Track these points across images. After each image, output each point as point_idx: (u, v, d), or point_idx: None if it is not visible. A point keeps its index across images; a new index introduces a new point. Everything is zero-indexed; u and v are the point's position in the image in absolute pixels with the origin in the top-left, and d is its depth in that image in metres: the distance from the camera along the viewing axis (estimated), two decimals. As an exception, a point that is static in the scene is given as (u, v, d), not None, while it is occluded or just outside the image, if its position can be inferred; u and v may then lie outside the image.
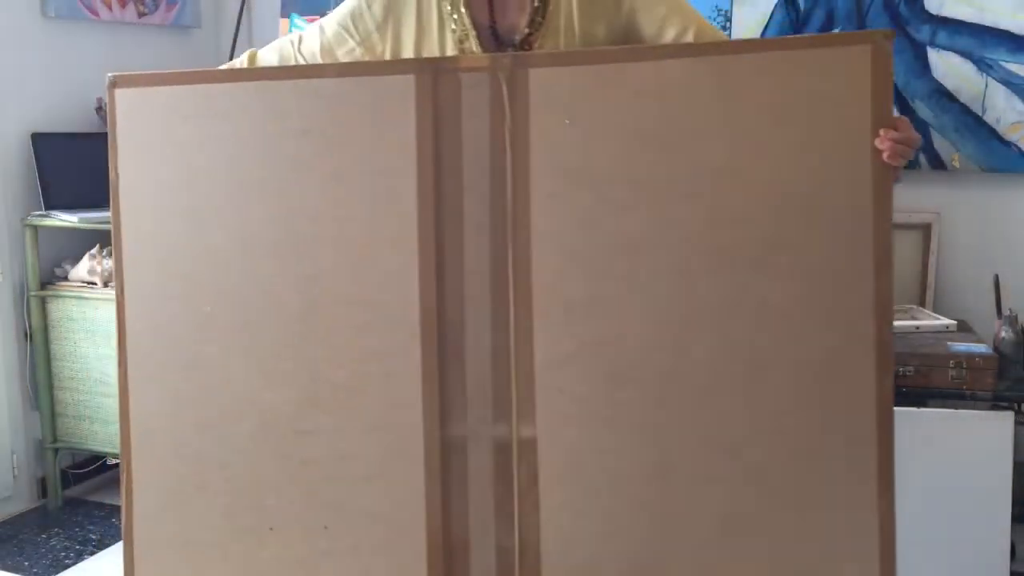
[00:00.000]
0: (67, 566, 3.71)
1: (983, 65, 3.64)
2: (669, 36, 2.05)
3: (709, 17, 3.70)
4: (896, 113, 1.81)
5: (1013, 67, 3.60)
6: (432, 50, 2.09)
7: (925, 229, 3.74)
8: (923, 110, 3.70)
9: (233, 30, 4.72)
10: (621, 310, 1.85)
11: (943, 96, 3.70)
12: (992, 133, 3.65)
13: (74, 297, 4.06)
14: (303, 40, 2.18)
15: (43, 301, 4.10)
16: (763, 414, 1.84)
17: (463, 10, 2.06)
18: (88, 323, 4.03)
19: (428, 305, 1.90)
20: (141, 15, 4.46)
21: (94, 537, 3.94)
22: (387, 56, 2.11)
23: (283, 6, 4.65)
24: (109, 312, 3.89)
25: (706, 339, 1.83)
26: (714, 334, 1.83)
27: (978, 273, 3.64)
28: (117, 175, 2.04)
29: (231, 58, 4.52)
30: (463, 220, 1.88)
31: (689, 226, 1.82)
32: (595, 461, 1.88)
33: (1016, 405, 3.13)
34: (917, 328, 3.38)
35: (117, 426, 3.88)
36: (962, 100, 3.69)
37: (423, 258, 1.89)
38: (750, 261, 1.81)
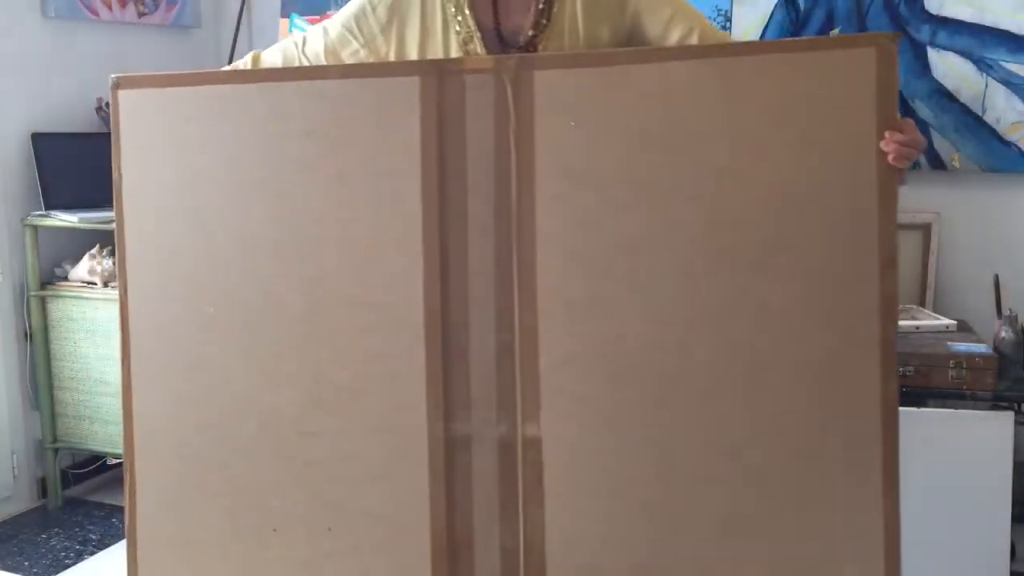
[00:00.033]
0: (67, 566, 3.71)
1: (983, 65, 3.64)
2: (674, 38, 2.06)
3: (709, 17, 3.69)
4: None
5: (1013, 67, 3.60)
6: (436, 52, 2.09)
7: (925, 229, 3.74)
8: (923, 110, 3.71)
9: (233, 30, 4.71)
10: (624, 311, 1.85)
11: (943, 96, 3.71)
12: (992, 133, 3.66)
13: (74, 297, 4.06)
14: (307, 41, 2.18)
15: (43, 301, 4.10)
16: (765, 415, 1.84)
17: (467, 12, 2.06)
18: (88, 323, 4.03)
19: (432, 306, 1.90)
20: (141, 15, 4.46)
21: (94, 537, 3.94)
22: (391, 58, 2.12)
23: (283, 6, 4.65)
24: (109, 312, 3.91)
25: (709, 340, 1.83)
26: (716, 335, 1.83)
27: (978, 273, 3.64)
28: (120, 176, 2.04)
29: (231, 58, 4.53)
30: (467, 221, 1.88)
31: (692, 227, 1.82)
32: (598, 461, 1.88)
33: (1016, 405, 3.13)
34: (917, 328, 3.39)
35: (117, 426, 3.92)
36: (962, 100, 3.69)
37: (427, 259, 1.89)
38: (753, 262, 1.81)
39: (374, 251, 1.92)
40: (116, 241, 2.06)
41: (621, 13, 2.07)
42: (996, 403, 3.12)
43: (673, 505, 1.88)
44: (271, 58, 2.20)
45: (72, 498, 4.29)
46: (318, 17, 4.54)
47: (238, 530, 2.03)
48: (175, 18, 4.63)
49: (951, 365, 3.14)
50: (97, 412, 4.09)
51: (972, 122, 3.68)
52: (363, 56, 2.13)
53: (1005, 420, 3.07)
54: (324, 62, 2.15)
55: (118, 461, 4.23)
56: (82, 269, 4.04)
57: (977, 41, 3.64)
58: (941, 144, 3.71)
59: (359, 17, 2.12)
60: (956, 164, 3.71)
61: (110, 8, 4.31)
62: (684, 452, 1.86)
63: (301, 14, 4.59)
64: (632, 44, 2.09)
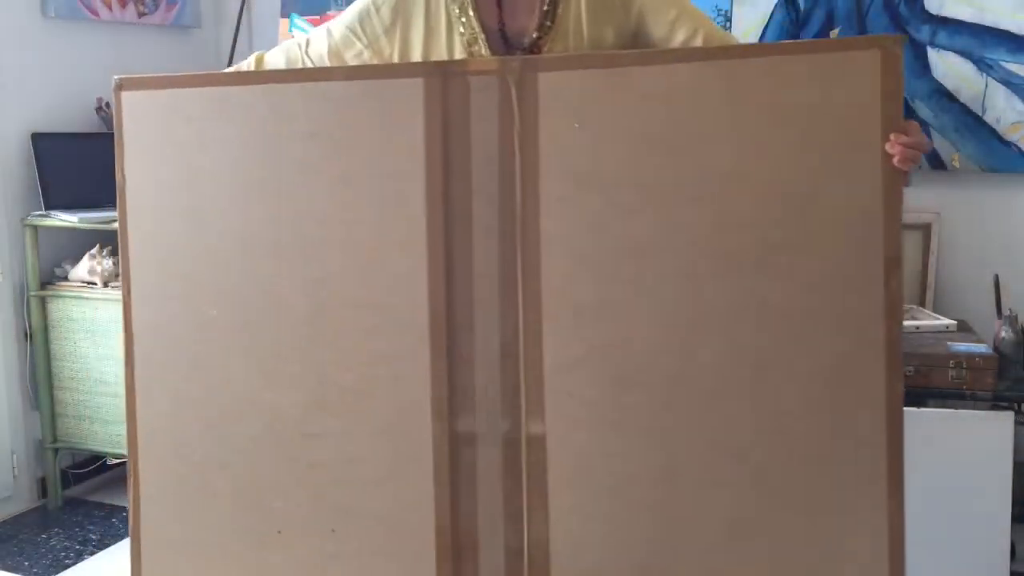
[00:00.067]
0: (67, 566, 3.71)
1: (983, 65, 3.64)
2: (679, 39, 2.06)
3: (709, 17, 3.70)
4: (897, 115, 1.82)
5: (1013, 67, 3.60)
6: (440, 53, 2.09)
7: (925, 229, 3.74)
8: (923, 110, 3.71)
9: (233, 30, 4.71)
10: (629, 314, 1.85)
11: (943, 96, 3.71)
12: (992, 133, 3.66)
13: (74, 297, 4.05)
14: (310, 43, 2.18)
15: (43, 301, 4.10)
16: (771, 417, 1.84)
17: (472, 13, 2.06)
18: (88, 323, 4.03)
19: (436, 308, 1.90)
20: (141, 15, 4.45)
21: (94, 537, 3.94)
22: (395, 59, 2.12)
23: (283, 6, 4.65)
24: (109, 312, 3.91)
25: (714, 342, 1.83)
26: (721, 337, 1.83)
27: (978, 273, 3.64)
28: (124, 177, 2.04)
29: (231, 58, 4.52)
30: (472, 223, 1.88)
31: (697, 230, 1.82)
32: (603, 464, 1.88)
33: (1016, 405, 3.13)
34: (917, 328, 3.39)
35: (117, 426, 3.92)
36: (962, 100, 3.69)
37: (432, 261, 1.89)
38: (758, 265, 1.81)
39: (378, 253, 1.92)
40: (119, 242, 2.06)
41: (625, 15, 2.07)
42: (996, 403, 3.12)
43: (678, 507, 1.88)
44: (274, 59, 2.20)
45: (72, 498, 4.29)
46: (318, 17, 4.54)
47: (242, 532, 2.03)
48: (175, 18, 4.63)
49: (951, 365, 3.14)
50: (97, 412, 4.08)
51: (972, 122, 3.68)
52: (367, 57, 2.13)
53: (1005, 420, 3.07)
54: (328, 63, 2.15)
55: (118, 461, 4.23)
56: (82, 269, 4.04)
57: (977, 41, 3.64)
58: (941, 144, 3.71)
59: (363, 18, 2.12)
60: (956, 164, 3.71)
61: (110, 8, 4.31)
62: (689, 454, 1.86)
63: (301, 14, 4.59)
64: (636, 46, 2.09)
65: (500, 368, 1.89)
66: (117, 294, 3.91)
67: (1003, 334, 3.27)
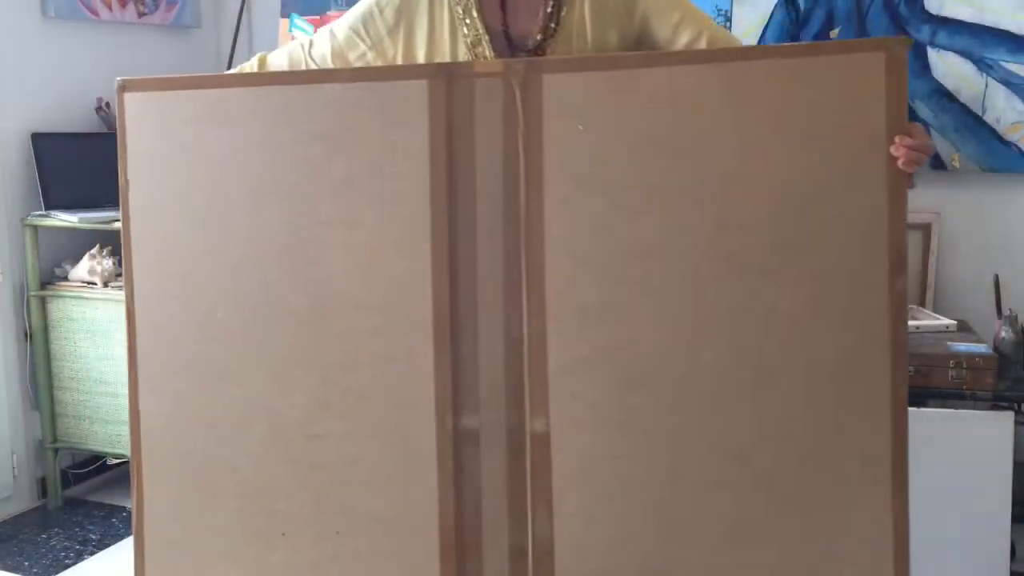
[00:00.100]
0: (67, 566, 3.71)
1: (983, 65, 3.65)
2: (682, 41, 2.06)
3: (712, 19, 3.70)
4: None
5: (1013, 67, 3.60)
6: (444, 55, 2.08)
7: (925, 229, 3.75)
8: (923, 110, 3.71)
9: (233, 30, 4.71)
10: (634, 315, 1.85)
11: (943, 96, 3.71)
12: (992, 133, 3.66)
13: (74, 297, 4.05)
14: (314, 44, 2.17)
15: (43, 301, 4.10)
16: (775, 419, 1.84)
17: (475, 15, 2.06)
18: (88, 323, 4.03)
19: (440, 310, 1.90)
20: (141, 15, 4.45)
21: (94, 537, 3.94)
22: (399, 60, 2.11)
23: (283, 6, 4.65)
24: (109, 312, 3.91)
25: (719, 344, 1.83)
26: (727, 339, 1.83)
27: (978, 273, 3.65)
28: (127, 180, 2.03)
29: (231, 58, 4.52)
30: (476, 225, 1.88)
31: (702, 231, 1.82)
32: (608, 465, 1.88)
33: (1016, 405, 3.14)
34: (917, 328, 3.39)
35: (117, 426, 3.93)
36: (962, 100, 3.70)
37: (436, 263, 1.89)
38: (763, 266, 1.81)
39: (381, 254, 1.92)
40: (122, 245, 2.06)
41: (629, 17, 2.07)
42: (996, 403, 3.13)
43: (683, 508, 1.88)
44: (278, 60, 2.20)
45: (72, 498, 4.29)
46: (318, 17, 4.54)
47: (246, 533, 2.03)
48: (175, 18, 4.63)
49: (951, 365, 3.14)
50: (97, 412, 4.08)
51: (972, 122, 3.69)
52: (370, 59, 2.13)
53: (1005, 420, 3.08)
54: (331, 65, 2.15)
55: (118, 461, 4.24)
56: (82, 269, 4.04)
57: (977, 41, 3.65)
58: (941, 144, 3.71)
59: (366, 19, 2.12)
60: (956, 164, 3.71)
61: (110, 8, 4.31)
62: (694, 455, 1.86)
63: (301, 14, 4.59)
64: (640, 48, 2.09)
65: (504, 370, 1.89)
66: (117, 294, 3.91)
67: (1003, 334, 3.27)
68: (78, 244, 4.16)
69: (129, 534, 3.90)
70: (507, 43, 2.07)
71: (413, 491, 1.94)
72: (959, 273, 3.76)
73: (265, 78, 2.12)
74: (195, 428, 2.04)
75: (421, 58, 2.10)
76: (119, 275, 3.98)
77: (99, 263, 3.99)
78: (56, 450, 4.18)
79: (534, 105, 1.85)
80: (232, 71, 2.26)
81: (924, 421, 3.06)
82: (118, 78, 2.04)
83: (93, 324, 4.02)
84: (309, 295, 1.96)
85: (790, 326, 1.82)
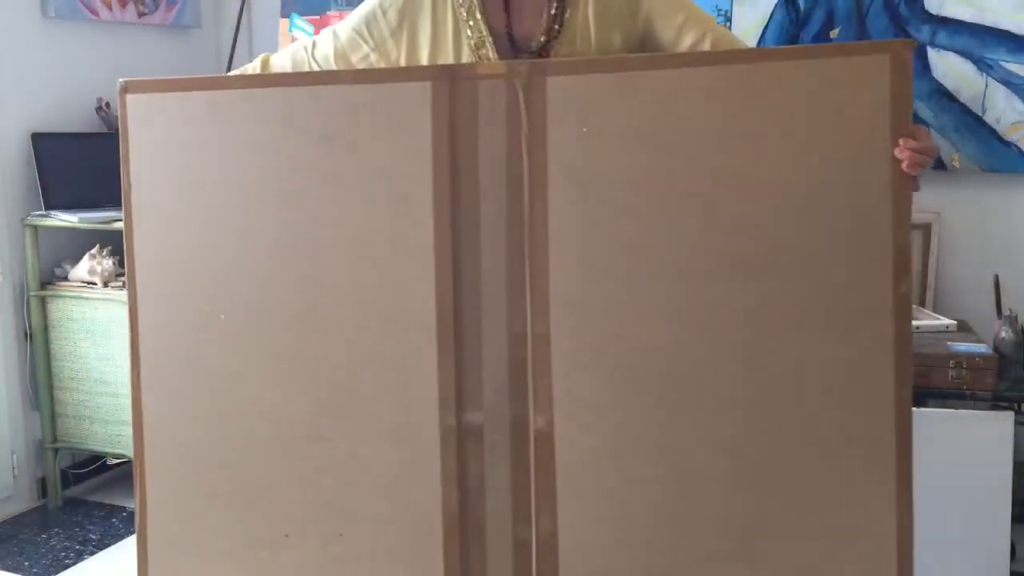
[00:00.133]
0: (67, 566, 3.71)
1: (983, 65, 3.65)
2: (686, 43, 2.06)
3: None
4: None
5: (1013, 67, 3.61)
6: (448, 57, 2.08)
7: (925, 229, 3.75)
8: (923, 110, 3.71)
9: (233, 30, 4.71)
10: (637, 316, 1.85)
11: (943, 96, 3.71)
12: (992, 133, 3.66)
13: (74, 297, 4.05)
14: (317, 45, 2.17)
15: (43, 301, 4.10)
16: (779, 420, 1.84)
17: (479, 16, 2.06)
18: (88, 323, 4.03)
19: (444, 311, 1.90)
20: (141, 15, 4.45)
21: (94, 537, 3.94)
22: (402, 62, 2.11)
23: (283, 6, 4.65)
24: (109, 312, 3.91)
25: (723, 346, 1.84)
26: (731, 341, 1.83)
27: (978, 273, 3.65)
28: (129, 181, 2.03)
29: (231, 58, 4.52)
30: (479, 227, 1.89)
31: (706, 233, 1.82)
32: (611, 465, 1.88)
33: (1016, 405, 3.14)
34: (917, 328, 3.39)
35: (117, 426, 3.93)
36: (962, 100, 3.70)
37: (439, 265, 1.89)
38: (768, 268, 1.82)
39: (385, 256, 1.92)
40: (125, 246, 2.06)
41: (633, 19, 2.07)
42: (996, 403, 3.13)
43: (686, 508, 1.88)
44: (281, 62, 2.20)
45: (72, 498, 4.29)
46: (318, 17, 4.54)
47: (248, 535, 2.03)
48: (175, 18, 4.62)
49: (951, 365, 3.14)
50: (97, 412, 4.08)
51: (972, 122, 3.69)
52: (373, 60, 2.13)
53: (1005, 420, 3.08)
54: (334, 66, 2.15)
55: (118, 461, 4.24)
56: (82, 269, 4.04)
57: (977, 41, 3.65)
58: (941, 144, 3.71)
59: (369, 21, 2.12)
60: (956, 164, 3.71)
61: (110, 8, 4.30)
62: (697, 456, 1.86)
63: (301, 14, 4.59)
64: (644, 50, 2.09)
65: (507, 371, 1.89)
66: (117, 294, 3.92)
67: (1003, 334, 3.27)
68: (78, 244, 4.15)
69: (129, 534, 3.91)
70: (511, 45, 2.07)
71: (416, 491, 1.95)
72: (959, 273, 3.76)
73: (268, 79, 2.12)
74: (198, 429, 2.04)
75: (424, 60, 2.10)
76: (119, 275, 3.98)
77: (99, 263, 3.99)
78: (56, 450, 4.18)
79: (537, 107, 1.85)
80: (235, 72, 2.26)
81: (924, 421, 3.05)
82: (120, 79, 2.04)
83: (93, 324, 4.02)
84: (312, 296, 1.96)
85: (795, 328, 1.82)
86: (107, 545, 3.87)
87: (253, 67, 2.22)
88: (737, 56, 1.92)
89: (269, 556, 2.02)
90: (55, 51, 4.15)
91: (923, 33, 3.71)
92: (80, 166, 4.10)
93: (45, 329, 4.11)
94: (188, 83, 2.05)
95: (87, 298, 4.02)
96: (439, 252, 1.89)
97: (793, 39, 3.88)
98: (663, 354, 1.86)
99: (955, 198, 3.74)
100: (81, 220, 3.92)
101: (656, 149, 1.83)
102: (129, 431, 3.85)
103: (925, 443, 2.97)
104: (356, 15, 2.14)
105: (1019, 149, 3.63)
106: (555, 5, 2.04)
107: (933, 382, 3.14)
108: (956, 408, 3.12)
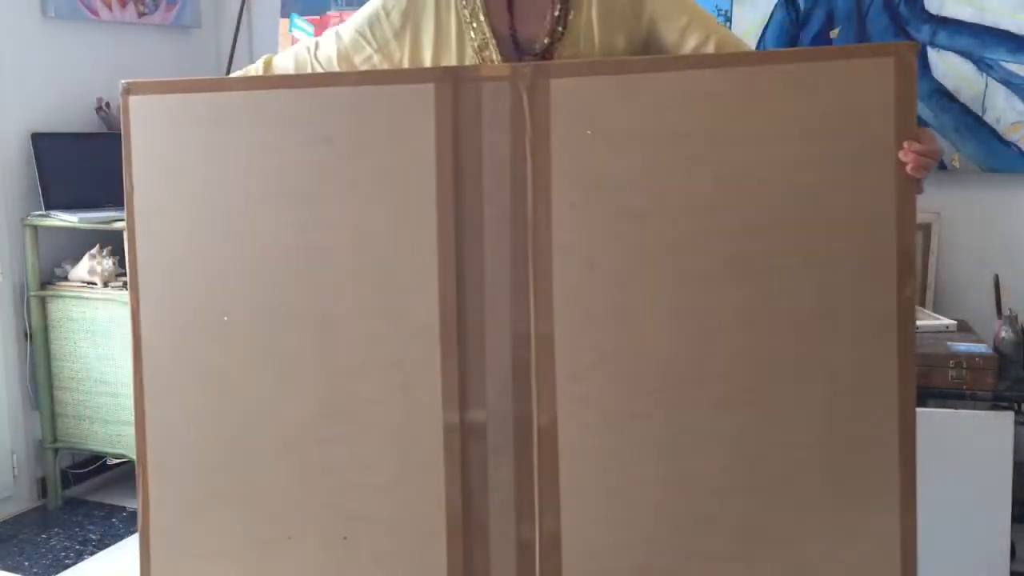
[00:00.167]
0: (67, 566, 3.71)
1: (983, 65, 3.65)
2: (690, 45, 2.05)
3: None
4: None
5: (1013, 67, 3.61)
6: (451, 59, 2.08)
7: (925, 229, 3.74)
8: (923, 110, 3.71)
9: (233, 30, 4.70)
10: (642, 320, 1.85)
11: (943, 96, 3.72)
12: (992, 133, 3.67)
13: (74, 297, 4.05)
14: (319, 46, 2.17)
15: (43, 301, 4.10)
16: (782, 424, 1.84)
17: (483, 18, 2.05)
18: (88, 323, 4.03)
19: (447, 313, 1.90)
20: (141, 15, 4.45)
21: (94, 537, 3.94)
22: (405, 64, 2.11)
23: (283, 6, 4.65)
24: (109, 312, 3.91)
25: (726, 349, 1.84)
26: (734, 345, 1.83)
27: (978, 273, 3.65)
28: (132, 183, 2.03)
29: (231, 58, 4.52)
30: (483, 230, 1.88)
31: (710, 236, 1.82)
32: (614, 466, 1.88)
33: (1016, 405, 3.14)
34: (917, 328, 3.36)
35: (117, 426, 3.93)
36: (962, 100, 3.70)
37: (442, 268, 1.89)
38: (770, 272, 1.81)
39: (389, 259, 1.92)
40: (127, 249, 2.05)
41: (636, 21, 2.07)
42: (996, 403, 3.13)
43: (689, 512, 1.88)
44: (283, 63, 2.19)
45: (72, 498, 4.29)
46: (318, 17, 4.54)
47: (252, 537, 2.03)
48: (175, 18, 4.62)
49: (951, 365, 3.14)
50: (97, 412, 4.08)
51: (972, 122, 3.69)
52: (376, 62, 2.12)
53: (1005, 420, 3.08)
54: (337, 67, 2.14)
55: (118, 461, 4.24)
56: (82, 269, 4.04)
57: (977, 41, 3.65)
58: (941, 144, 3.70)
59: (372, 22, 2.11)
60: (956, 164, 3.72)
61: (110, 8, 4.30)
62: (699, 457, 1.86)
63: (301, 14, 4.59)
64: (648, 52, 2.09)
65: (512, 375, 1.89)
66: (117, 294, 3.91)
67: (1003, 334, 3.28)
68: (78, 244, 4.15)
69: (129, 534, 3.91)
70: (514, 47, 2.07)
71: (419, 491, 1.94)
72: (959, 273, 3.76)
73: (271, 81, 2.12)
74: (201, 430, 2.04)
75: (428, 61, 2.10)
76: (119, 275, 3.98)
77: (99, 263, 3.98)
78: (56, 450, 4.18)
79: (541, 109, 1.85)
80: (237, 74, 2.26)
81: (924, 421, 3.01)
82: (123, 81, 2.04)
83: (93, 324, 4.02)
84: (316, 299, 1.95)
85: (798, 332, 1.82)
86: (107, 545, 3.87)
87: (256, 68, 2.21)
88: (741, 59, 1.92)
89: (272, 557, 2.02)
90: (55, 51, 4.15)
91: (923, 33, 3.71)
92: (80, 166, 4.10)
93: (45, 329, 4.11)
94: (191, 85, 2.05)
95: (87, 298, 4.02)
96: (442, 254, 1.89)
97: (793, 39, 3.88)
98: (666, 355, 1.85)
99: (955, 198, 3.74)
100: (81, 220, 3.92)
101: (660, 151, 1.82)
102: (129, 431, 3.88)
103: (925, 443, 2.95)
104: (359, 16, 2.14)
105: (1019, 149, 3.64)
106: (559, 7, 2.04)
107: (933, 382, 3.14)
108: (956, 408, 3.13)
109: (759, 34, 3.93)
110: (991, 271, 3.50)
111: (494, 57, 2.06)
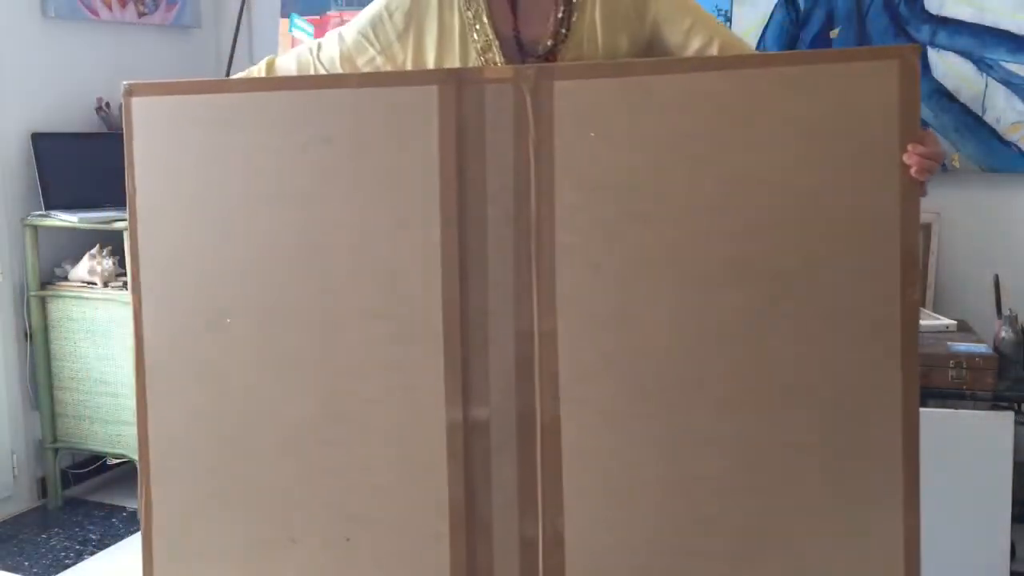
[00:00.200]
0: (67, 566, 3.71)
1: (983, 65, 3.66)
2: (694, 47, 2.05)
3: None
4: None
5: (1013, 67, 3.62)
6: (454, 60, 2.08)
7: (925, 229, 3.75)
8: (923, 110, 3.71)
9: (233, 30, 4.71)
10: (645, 323, 1.84)
11: (943, 96, 3.72)
12: (992, 133, 3.67)
13: (74, 297, 4.06)
14: (322, 47, 2.16)
15: (43, 301, 4.10)
16: (785, 427, 1.84)
17: (486, 20, 2.05)
18: (88, 323, 4.03)
19: (451, 317, 1.89)
20: (141, 15, 4.45)
21: (94, 537, 3.94)
22: (408, 65, 2.11)
23: (283, 6, 4.65)
24: (109, 312, 3.91)
25: (729, 352, 1.83)
26: (737, 347, 1.83)
27: (978, 273, 3.65)
28: (134, 185, 2.02)
29: (231, 58, 4.52)
30: (486, 232, 1.88)
31: (713, 239, 1.82)
32: (620, 473, 1.88)
33: (1016, 405, 3.15)
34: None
35: (117, 426, 3.94)
36: (962, 100, 3.71)
37: (446, 268, 1.89)
38: (773, 274, 1.81)
39: (391, 260, 1.91)
40: (129, 249, 2.05)
41: (640, 22, 2.06)
42: (996, 403, 3.14)
43: (692, 514, 1.88)
44: (286, 64, 2.19)
45: (72, 498, 4.29)
46: (318, 17, 4.54)
47: (255, 539, 2.02)
48: (175, 18, 4.62)
49: (951, 365, 3.15)
50: (97, 412, 4.08)
51: (972, 122, 3.70)
52: (379, 63, 2.12)
53: (1005, 420, 3.09)
54: (339, 69, 2.14)
55: (118, 461, 4.24)
56: (82, 269, 4.04)
57: (977, 41, 3.66)
58: (942, 145, 3.71)
59: (375, 24, 2.11)
60: (956, 164, 3.72)
61: (110, 8, 4.30)
62: (701, 458, 1.86)
63: (301, 14, 4.59)
64: (651, 53, 2.09)
65: (515, 377, 1.89)
66: (117, 294, 3.92)
67: (1003, 334, 3.28)
68: (78, 244, 4.16)
69: (129, 534, 3.91)
70: (518, 48, 2.06)
71: (422, 490, 1.93)
72: (959, 273, 3.76)
73: (273, 83, 2.11)
74: (203, 432, 2.04)
75: (431, 63, 2.09)
76: (119, 275, 3.98)
77: (99, 263, 3.99)
78: (56, 450, 4.18)
79: (545, 111, 1.84)
80: (240, 75, 2.25)
81: (924, 421, 2.99)
82: (125, 83, 2.03)
83: (93, 324, 4.02)
84: (318, 301, 1.95)
85: (801, 333, 1.82)
86: (107, 545, 3.88)
87: (258, 70, 2.21)
88: (744, 61, 1.92)
89: (274, 558, 2.02)
90: (55, 51, 4.15)
91: (923, 33, 3.72)
92: (80, 166, 4.10)
93: (45, 329, 4.12)
94: (193, 86, 2.04)
95: (87, 298, 4.03)
96: (446, 256, 1.89)
97: (793, 39, 3.89)
98: (669, 357, 1.85)
99: (955, 198, 3.75)
100: (81, 220, 3.92)
101: (663, 154, 1.82)
102: (129, 431, 3.89)
103: (925, 443, 2.95)
104: (362, 18, 2.13)
105: (1019, 149, 3.64)
106: (562, 8, 2.04)
107: (933, 382, 3.15)
108: (956, 408, 3.13)
109: (759, 34, 3.94)
110: (991, 271, 3.51)
111: (497, 59, 2.05)
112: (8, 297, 4.07)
